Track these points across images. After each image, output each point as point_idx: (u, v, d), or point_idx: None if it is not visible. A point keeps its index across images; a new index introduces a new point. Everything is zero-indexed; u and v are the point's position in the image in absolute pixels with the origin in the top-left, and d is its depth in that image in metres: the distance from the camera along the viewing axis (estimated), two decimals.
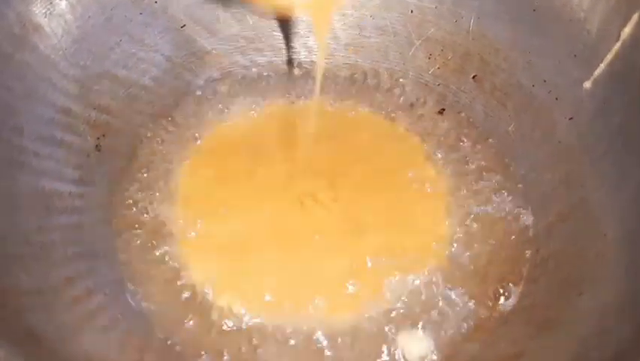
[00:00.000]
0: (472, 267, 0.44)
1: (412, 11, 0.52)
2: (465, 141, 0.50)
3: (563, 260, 0.42)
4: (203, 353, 0.40)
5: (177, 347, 0.41)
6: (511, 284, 0.43)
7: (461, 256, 0.44)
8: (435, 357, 0.40)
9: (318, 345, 0.41)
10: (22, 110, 0.43)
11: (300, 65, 0.54)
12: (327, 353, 0.41)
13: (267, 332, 0.41)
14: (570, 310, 0.39)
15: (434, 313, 0.42)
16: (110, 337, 0.39)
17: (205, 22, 0.52)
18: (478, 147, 0.49)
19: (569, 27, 0.46)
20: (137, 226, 0.45)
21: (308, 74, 0.53)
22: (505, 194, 0.47)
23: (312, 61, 0.54)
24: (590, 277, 0.40)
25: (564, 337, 0.38)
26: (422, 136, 0.50)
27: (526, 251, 0.44)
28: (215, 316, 0.42)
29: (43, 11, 0.45)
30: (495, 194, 0.47)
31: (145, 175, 0.47)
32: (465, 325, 0.41)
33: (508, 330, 0.41)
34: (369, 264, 0.43)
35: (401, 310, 0.42)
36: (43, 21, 0.45)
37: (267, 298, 0.42)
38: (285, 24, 0.53)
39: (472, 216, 0.46)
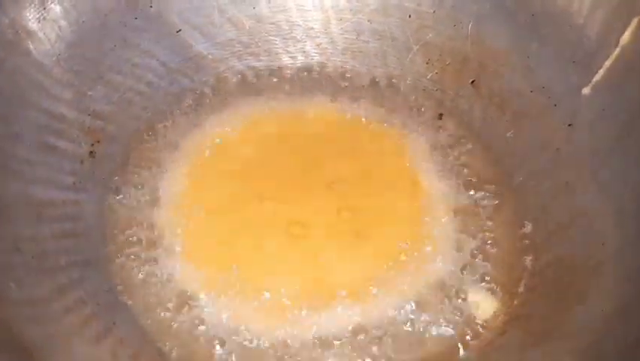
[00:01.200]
0: (469, 275, 0.43)
1: (410, 16, 0.52)
2: (463, 146, 0.49)
3: (562, 269, 0.41)
4: None
5: (170, 357, 0.40)
6: (509, 293, 0.42)
7: (459, 264, 0.44)
8: None
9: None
10: (15, 116, 0.43)
11: (297, 70, 0.53)
12: None
13: (262, 345, 0.41)
14: (569, 319, 0.39)
15: (430, 322, 0.41)
16: (102, 346, 0.39)
17: (201, 27, 0.52)
18: (477, 152, 0.49)
19: (568, 33, 0.46)
20: (130, 234, 0.44)
21: (305, 79, 0.53)
22: (504, 201, 0.46)
23: (309, 66, 0.53)
24: (589, 287, 0.39)
25: (562, 347, 0.38)
26: (420, 141, 0.49)
27: (525, 259, 0.43)
28: (208, 326, 0.41)
29: (37, 16, 0.45)
30: (493, 201, 0.46)
31: (139, 182, 0.47)
32: (462, 333, 0.41)
33: (506, 339, 0.40)
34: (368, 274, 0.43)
35: (398, 320, 0.41)
36: (36, 26, 0.45)
37: (263, 310, 0.42)
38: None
39: (470, 223, 0.45)
